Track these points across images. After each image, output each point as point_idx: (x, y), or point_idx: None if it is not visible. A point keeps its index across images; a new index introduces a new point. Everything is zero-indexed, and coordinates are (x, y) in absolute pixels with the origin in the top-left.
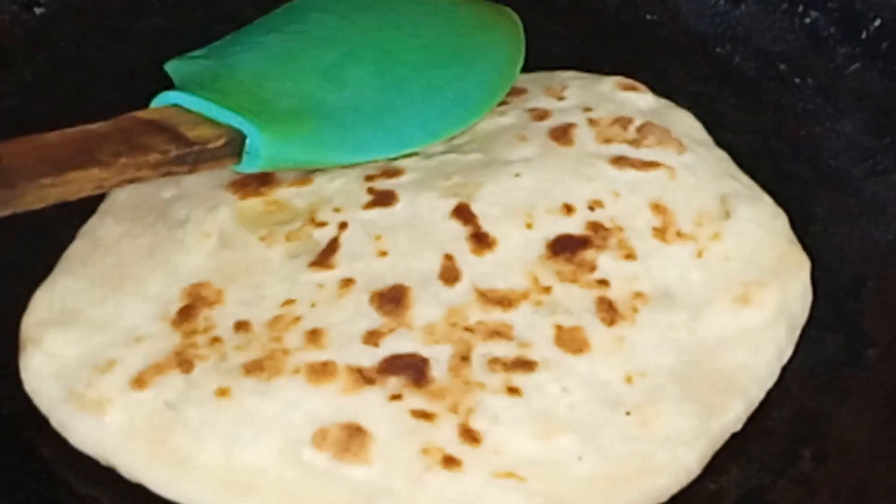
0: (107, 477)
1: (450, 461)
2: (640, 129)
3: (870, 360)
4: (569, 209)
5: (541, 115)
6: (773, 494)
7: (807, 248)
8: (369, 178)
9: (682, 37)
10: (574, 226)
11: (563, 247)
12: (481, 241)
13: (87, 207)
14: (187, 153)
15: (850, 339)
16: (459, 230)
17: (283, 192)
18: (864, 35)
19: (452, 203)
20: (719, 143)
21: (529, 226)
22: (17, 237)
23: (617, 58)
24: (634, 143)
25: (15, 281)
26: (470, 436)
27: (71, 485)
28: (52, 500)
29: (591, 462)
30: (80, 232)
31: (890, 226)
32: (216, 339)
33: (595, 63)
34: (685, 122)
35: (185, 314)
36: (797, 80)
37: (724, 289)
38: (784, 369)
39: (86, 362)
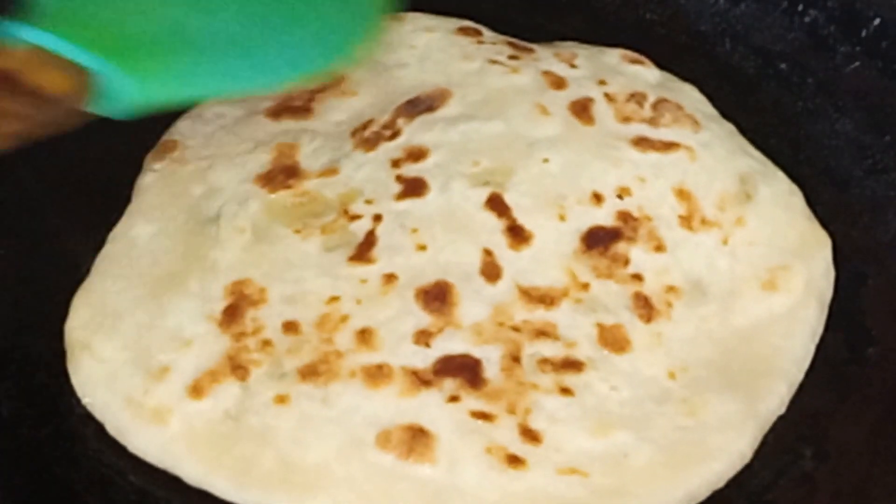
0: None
1: (514, 460)
2: (655, 107)
3: (870, 359)
4: (598, 198)
5: (557, 82)
6: (773, 494)
7: None
8: (395, 163)
9: (681, 36)
10: (604, 216)
11: (597, 240)
12: (517, 234)
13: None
14: (39, 107)
15: (851, 337)
16: (494, 223)
17: (311, 184)
18: (863, 34)
19: (485, 193)
20: None
21: (562, 217)
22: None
23: None
24: (652, 121)
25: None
26: (530, 435)
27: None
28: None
29: (648, 453)
30: (111, 235)
31: (890, 225)
32: (267, 343)
33: None
34: (693, 96)
35: (232, 314)
36: (797, 80)
37: (751, 276)
38: None
39: (138, 368)
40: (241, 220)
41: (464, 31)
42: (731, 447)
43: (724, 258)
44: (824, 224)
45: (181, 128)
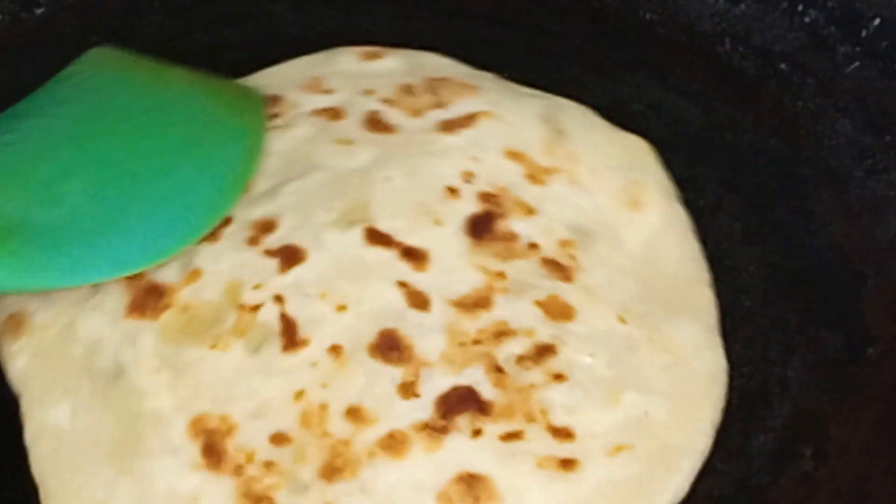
0: None
1: (566, 463)
2: (428, 89)
3: (870, 359)
4: (453, 191)
5: (332, 114)
6: (773, 494)
7: (807, 246)
8: (251, 241)
9: (681, 36)
10: (470, 205)
11: (480, 227)
12: (414, 256)
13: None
14: None
15: (851, 337)
16: (387, 254)
17: (184, 295)
18: (863, 34)
19: (358, 231)
20: (719, 143)
21: (438, 222)
22: None
23: (617, 58)
24: (439, 104)
25: None
26: (563, 433)
27: None
28: None
29: (661, 403)
30: (28, 439)
31: (890, 225)
32: (269, 464)
33: (595, 62)
34: (443, 63)
35: (214, 454)
36: (797, 80)
37: (614, 203)
38: (784, 368)
39: None
40: (148, 361)
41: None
42: (715, 367)
43: (582, 196)
44: (824, 223)
45: (13, 299)
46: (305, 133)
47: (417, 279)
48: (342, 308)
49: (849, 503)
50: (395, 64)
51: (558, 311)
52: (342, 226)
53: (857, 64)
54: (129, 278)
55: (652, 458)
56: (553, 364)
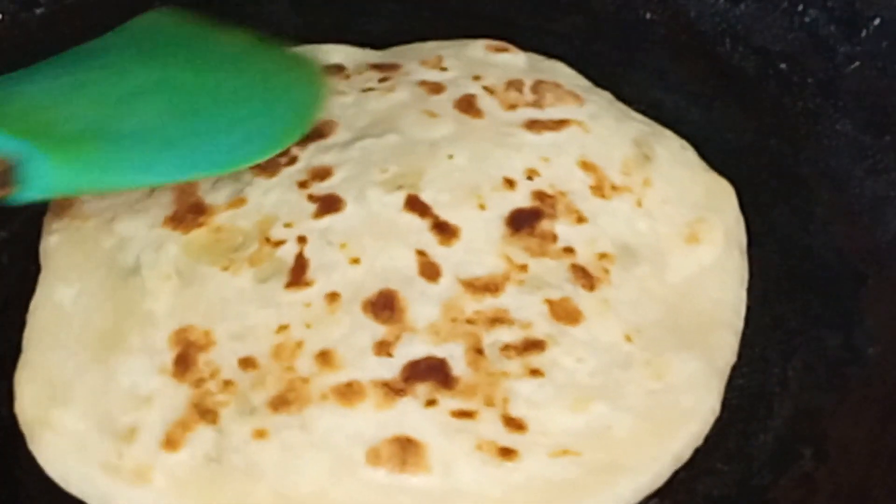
0: None
1: (506, 451)
2: (534, 90)
3: (870, 359)
4: (510, 183)
5: (434, 87)
6: (773, 494)
7: (807, 246)
8: (302, 184)
9: (681, 36)
10: (521, 199)
11: (521, 221)
12: (444, 230)
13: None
14: None
15: (851, 337)
16: (419, 223)
17: (222, 217)
18: (863, 34)
19: (401, 196)
20: (719, 143)
21: (482, 206)
22: None
23: (617, 57)
24: (536, 104)
25: None
26: (515, 424)
27: None
28: None
29: (629, 422)
30: (31, 306)
31: (890, 225)
32: (228, 383)
33: (595, 62)
34: (565, 73)
35: (184, 363)
36: (797, 80)
37: (672, 233)
38: (784, 368)
39: (104, 433)
40: (163, 267)
41: (328, 71)
42: (703, 405)
43: (643, 219)
44: (824, 223)
45: None
46: (402, 98)
47: (437, 252)
48: (355, 261)
49: (849, 503)
50: (517, 61)
51: (565, 313)
52: (388, 187)
53: (857, 64)
54: (180, 193)
55: (594, 470)
56: (535, 359)
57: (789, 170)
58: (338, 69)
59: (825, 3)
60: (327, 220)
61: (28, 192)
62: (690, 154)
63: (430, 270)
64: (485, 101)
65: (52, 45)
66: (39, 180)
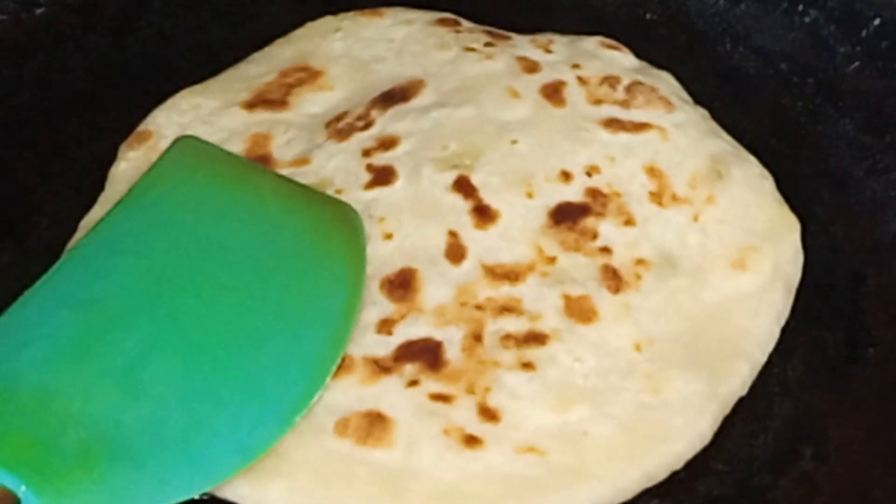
0: None
1: (471, 440)
2: (628, 89)
3: (870, 359)
4: (567, 176)
5: (531, 66)
6: (774, 494)
7: (807, 246)
8: (366, 152)
9: (682, 36)
10: (573, 193)
11: (565, 215)
12: (484, 214)
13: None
14: None
15: (851, 337)
16: (461, 204)
17: (282, 173)
18: (863, 34)
19: (452, 176)
20: None
21: (530, 195)
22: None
23: None
24: (624, 103)
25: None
26: (489, 414)
27: None
28: None
29: (608, 430)
30: (82, 223)
31: (890, 225)
32: None
33: None
34: (669, 82)
35: None
36: (797, 80)
37: (721, 254)
38: (784, 368)
39: None
40: None
41: (442, 22)
42: (691, 429)
43: (695, 234)
44: (824, 223)
45: (156, 118)
46: (496, 69)
47: (470, 234)
48: (388, 236)
49: (849, 503)
50: (624, 61)
51: (580, 310)
52: (443, 166)
53: (857, 64)
54: (252, 144)
55: (555, 472)
56: (532, 353)
57: (789, 170)
58: (453, 22)
59: (825, 3)
60: (376, 192)
61: None
62: (767, 184)
63: (456, 252)
64: (572, 91)
65: (53, 45)
66: None
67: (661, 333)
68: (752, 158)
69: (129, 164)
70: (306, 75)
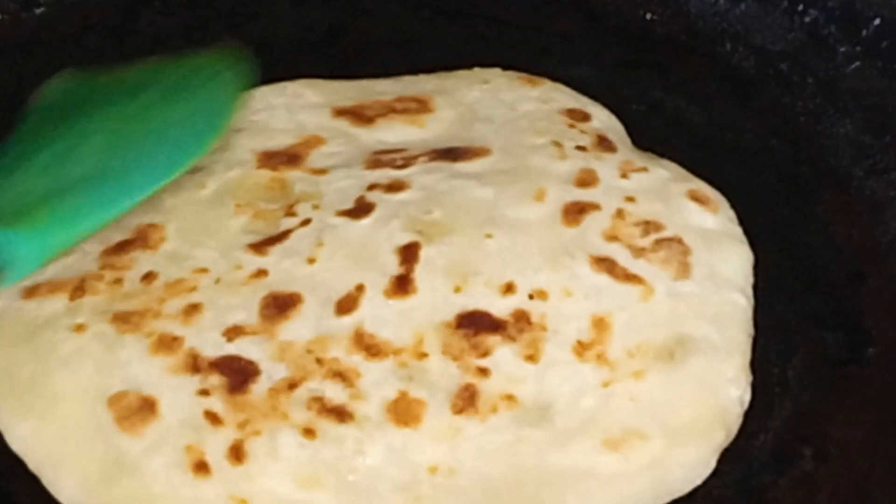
0: None
1: (201, 467)
2: (659, 242)
3: (870, 359)
4: (509, 289)
5: (587, 180)
6: (773, 494)
7: (807, 246)
8: (371, 186)
9: (681, 35)
10: (500, 307)
11: (471, 323)
12: (402, 286)
13: None
14: None
15: (851, 337)
16: (392, 268)
17: (295, 175)
18: (864, 34)
19: (407, 239)
20: (720, 143)
21: (458, 289)
22: None
23: (617, 57)
24: (639, 252)
25: None
26: (237, 454)
27: None
28: None
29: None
30: None
31: (890, 225)
32: (118, 281)
33: (595, 62)
34: (731, 261)
35: (119, 248)
36: (797, 80)
37: (603, 427)
38: (784, 368)
39: None
40: (212, 180)
41: (570, 113)
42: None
43: (593, 399)
44: (824, 223)
45: (257, 93)
46: (553, 169)
47: (372, 297)
48: (312, 260)
49: (849, 503)
50: (696, 216)
51: (403, 412)
52: (409, 227)
53: (857, 64)
54: (304, 141)
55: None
56: (324, 424)
57: (789, 170)
58: (582, 116)
59: (825, 3)
60: (341, 220)
61: (14, 272)
62: (726, 390)
63: (346, 306)
64: (596, 218)
65: (53, 45)
66: (20, 260)
67: (471, 470)
68: (738, 360)
69: None
70: (415, 107)
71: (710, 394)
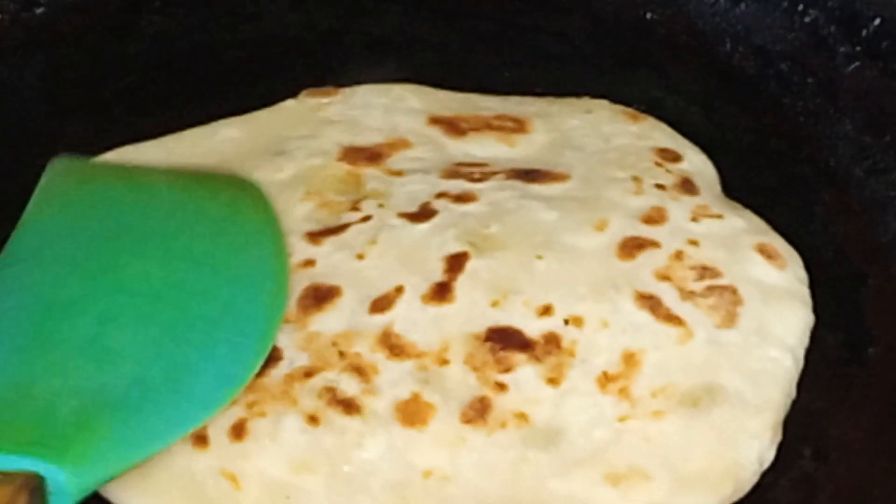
0: None
1: (201, 440)
2: (712, 289)
3: (870, 359)
4: (547, 311)
5: (655, 218)
6: (773, 494)
7: (807, 246)
8: (439, 195)
9: (682, 35)
10: (534, 328)
11: (501, 338)
12: (441, 293)
13: None
14: None
15: (851, 337)
16: (437, 275)
17: (373, 172)
18: (864, 34)
19: (458, 249)
20: (720, 143)
21: (496, 304)
22: None
23: (617, 57)
24: (688, 295)
25: None
26: (238, 431)
27: None
28: None
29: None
30: None
31: (890, 225)
32: None
33: (595, 62)
34: (785, 319)
35: None
36: (797, 80)
37: (609, 461)
38: None
39: None
40: (292, 165)
41: (661, 152)
42: None
43: (606, 432)
44: (824, 223)
45: (359, 89)
46: (625, 203)
47: (409, 300)
48: (360, 257)
49: (849, 503)
50: (758, 270)
51: (413, 413)
52: (462, 238)
53: (857, 64)
54: (400, 141)
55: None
56: (330, 413)
57: (789, 170)
58: (673, 157)
59: (825, 3)
60: (400, 222)
61: (60, 501)
62: (745, 443)
63: (382, 305)
64: (650, 257)
65: (53, 45)
66: (63, 491)
67: (465, 481)
68: (767, 419)
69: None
70: (511, 126)
71: (727, 447)
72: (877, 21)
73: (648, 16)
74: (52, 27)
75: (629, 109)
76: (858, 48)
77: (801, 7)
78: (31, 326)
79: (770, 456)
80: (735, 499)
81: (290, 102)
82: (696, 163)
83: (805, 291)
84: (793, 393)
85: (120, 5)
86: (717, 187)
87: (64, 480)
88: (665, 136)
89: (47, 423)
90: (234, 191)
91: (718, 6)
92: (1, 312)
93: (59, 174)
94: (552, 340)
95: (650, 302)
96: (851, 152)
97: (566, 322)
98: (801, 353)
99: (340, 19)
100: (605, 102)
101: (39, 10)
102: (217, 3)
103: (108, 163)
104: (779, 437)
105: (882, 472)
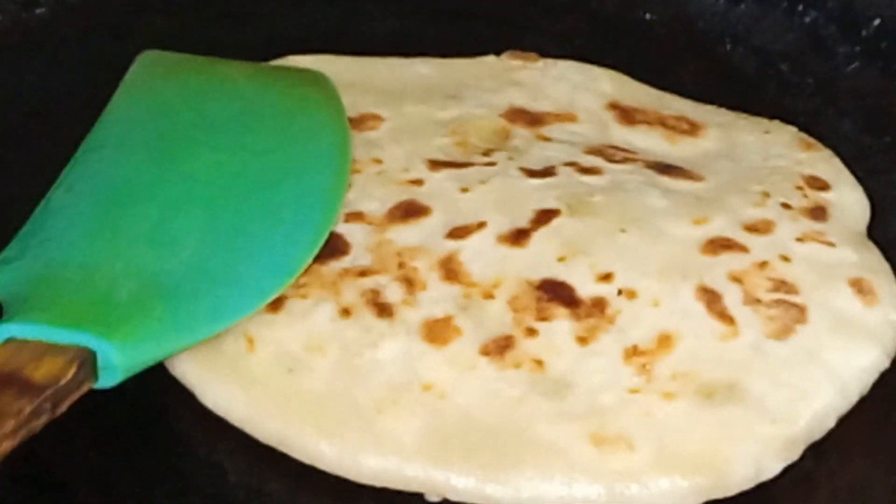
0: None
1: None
2: (779, 303)
3: None
4: (606, 278)
5: (761, 228)
6: (773, 493)
7: None
8: (570, 164)
9: (681, 36)
10: (587, 290)
11: (551, 289)
12: (517, 237)
13: None
14: (43, 402)
15: None
16: (522, 221)
17: (521, 131)
18: (863, 34)
19: (553, 205)
20: None
21: (562, 259)
22: None
23: (617, 57)
24: (753, 301)
25: None
26: (275, 304)
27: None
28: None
29: (316, 382)
30: None
31: (890, 225)
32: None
33: (595, 62)
34: (852, 356)
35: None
36: (797, 80)
37: (600, 423)
38: None
39: None
40: (457, 110)
41: (813, 180)
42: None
43: (612, 398)
44: None
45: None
46: (758, 216)
47: (487, 237)
48: (465, 190)
49: (849, 503)
50: (840, 300)
51: (438, 332)
52: (561, 200)
53: (857, 64)
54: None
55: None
56: (363, 311)
57: None
58: (821, 186)
59: (825, 3)
60: (516, 174)
61: (104, 380)
62: (746, 442)
63: (460, 233)
64: (735, 260)
65: (53, 45)
66: (112, 367)
67: (460, 403)
68: (783, 431)
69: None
70: (685, 128)
71: (725, 442)
72: (877, 21)
73: (648, 16)
74: (52, 27)
75: (807, 137)
76: (858, 48)
77: (800, 7)
78: (101, 211)
79: (772, 469)
80: (715, 496)
81: (490, 58)
82: (846, 197)
83: (889, 335)
84: (830, 423)
85: (120, 5)
86: (861, 226)
87: (114, 357)
88: (829, 167)
89: (105, 303)
90: (307, 86)
91: (718, 6)
92: (77, 195)
93: (145, 66)
94: (598, 304)
95: (709, 296)
96: (851, 152)
97: (619, 292)
98: (853, 391)
99: (340, 19)
100: (790, 128)
101: (39, 11)
102: (217, 3)
103: (194, 57)
104: (794, 457)
105: (882, 472)
